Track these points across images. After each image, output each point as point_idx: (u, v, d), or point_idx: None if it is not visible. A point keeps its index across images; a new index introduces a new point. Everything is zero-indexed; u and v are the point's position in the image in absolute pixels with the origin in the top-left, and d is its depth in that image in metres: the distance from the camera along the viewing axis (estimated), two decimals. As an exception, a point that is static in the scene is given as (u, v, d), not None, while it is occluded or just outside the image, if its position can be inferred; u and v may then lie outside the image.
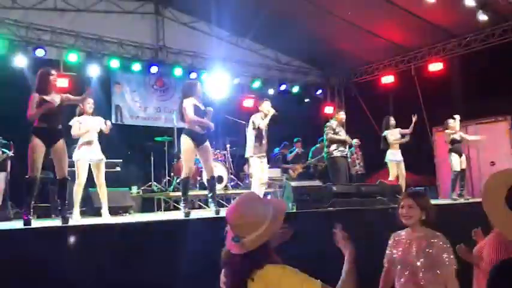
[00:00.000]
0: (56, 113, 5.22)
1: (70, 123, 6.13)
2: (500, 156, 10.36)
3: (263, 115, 7.10)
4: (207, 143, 6.14)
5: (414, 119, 9.10)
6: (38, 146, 5.01)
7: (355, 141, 10.87)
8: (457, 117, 9.27)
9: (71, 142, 6.23)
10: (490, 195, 1.72)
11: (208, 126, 6.06)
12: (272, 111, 7.07)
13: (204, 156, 6.13)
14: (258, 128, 7.02)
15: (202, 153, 6.11)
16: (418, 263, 3.07)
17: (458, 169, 9.02)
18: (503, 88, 11.39)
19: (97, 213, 6.48)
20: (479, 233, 3.78)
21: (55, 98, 5.27)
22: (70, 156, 5.85)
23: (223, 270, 2.10)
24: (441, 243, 3.08)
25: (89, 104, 6.23)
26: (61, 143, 5.22)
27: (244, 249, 1.98)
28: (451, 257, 3.07)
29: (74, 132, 6.08)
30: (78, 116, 6.21)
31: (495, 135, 10.54)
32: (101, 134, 6.37)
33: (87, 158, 6.03)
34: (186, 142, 5.95)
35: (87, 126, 6.13)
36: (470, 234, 3.88)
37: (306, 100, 13.40)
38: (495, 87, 11.19)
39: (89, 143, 6.09)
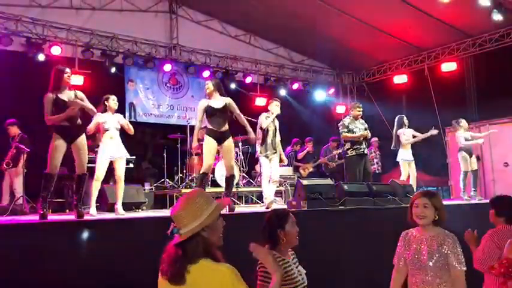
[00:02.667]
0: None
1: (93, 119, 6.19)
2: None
3: (270, 115, 7.16)
4: (229, 141, 6.22)
5: (434, 132, 8.94)
6: (59, 144, 5.09)
7: (373, 139, 10.85)
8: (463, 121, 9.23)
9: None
10: None
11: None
12: (276, 112, 7.13)
13: (225, 154, 6.26)
14: (261, 127, 7.10)
15: (224, 151, 6.25)
16: (430, 263, 3.07)
17: (467, 169, 8.99)
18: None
19: (110, 208, 6.58)
20: (470, 234, 3.81)
21: (69, 96, 5.34)
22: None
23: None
24: (452, 243, 3.08)
25: (114, 101, 6.31)
26: (82, 138, 5.31)
27: (181, 239, 2.08)
28: (461, 258, 3.07)
29: (89, 127, 6.10)
30: (102, 112, 6.28)
31: (509, 136, 10.44)
32: (121, 130, 6.44)
33: (109, 154, 6.12)
34: (206, 140, 6.14)
35: (108, 123, 6.21)
36: (479, 234, 3.90)
37: (318, 99, 13.41)
38: (509, 87, 11.09)
39: (111, 139, 6.17)
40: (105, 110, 6.28)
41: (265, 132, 7.10)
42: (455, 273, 3.04)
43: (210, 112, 6.14)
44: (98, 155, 6.17)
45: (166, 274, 2.10)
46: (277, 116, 7.24)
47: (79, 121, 5.39)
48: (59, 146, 5.10)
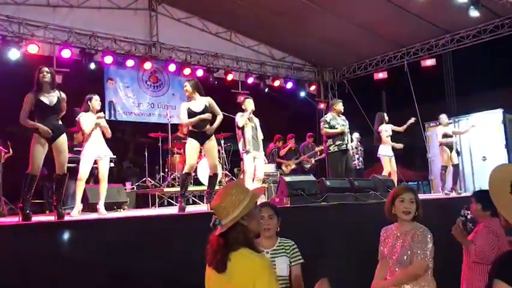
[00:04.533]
0: (53, 113, 5.22)
1: (77, 118, 6.16)
2: (492, 151, 10.45)
3: (244, 113, 7.21)
4: (212, 141, 6.17)
5: (412, 120, 9.19)
6: (40, 144, 5.02)
7: (355, 135, 10.92)
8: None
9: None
10: (496, 185, 1.78)
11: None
12: (250, 109, 7.19)
13: (208, 153, 6.24)
14: (238, 126, 7.16)
15: (207, 151, 6.22)
16: (404, 257, 3.09)
17: (447, 163, 9.14)
18: (495, 83, 11.52)
19: (92, 209, 6.50)
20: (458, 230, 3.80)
21: (51, 97, 5.25)
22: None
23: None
24: (421, 236, 3.08)
25: (97, 101, 6.28)
26: (63, 138, 5.25)
27: (224, 229, 2.21)
28: (427, 252, 3.05)
29: (86, 129, 6.09)
30: (85, 111, 6.22)
31: (487, 129, 10.63)
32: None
33: (94, 154, 6.07)
34: (189, 141, 6.12)
35: (92, 124, 6.15)
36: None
37: (300, 96, 13.46)
38: (487, 82, 11.30)
39: (95, 139, 6.14)
40: (87, 110, 6.22)
41: (243, 130, 7.15)
42: (414, 262, 3.01)
43: (191, 115, 6.07)
44: (82, 153, 6.09)
45: (212, 264, 2.22)
46: (255, 113, 7.29)
47: (60, 122, 5.32)
48: (41, 145, 5.03)
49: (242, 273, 2.13)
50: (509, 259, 1.72)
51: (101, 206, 6.12)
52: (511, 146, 10.31)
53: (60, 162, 5.24)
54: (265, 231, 3.17)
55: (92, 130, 6.15)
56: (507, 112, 10.62)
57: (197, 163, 8.63)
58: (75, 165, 6.37)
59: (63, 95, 5.41)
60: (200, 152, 6.42)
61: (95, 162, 6.17)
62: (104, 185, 6.19)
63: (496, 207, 1.79)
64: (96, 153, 6.12)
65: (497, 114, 10.59)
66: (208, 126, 6.11)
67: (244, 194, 2.28)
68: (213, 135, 6.21)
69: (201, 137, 6.06)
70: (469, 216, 4.95)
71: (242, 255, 2.17)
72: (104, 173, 6.17)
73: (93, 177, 6.85)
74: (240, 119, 7.16)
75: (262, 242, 3.17)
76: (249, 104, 7.24)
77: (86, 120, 6.15)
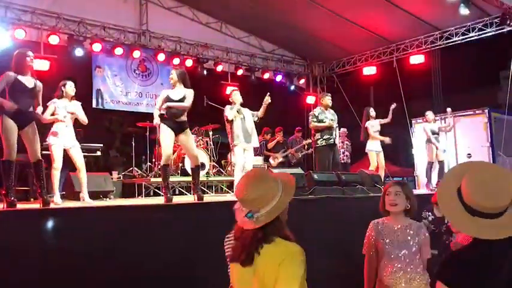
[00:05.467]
0: (28, 96, 5.14)
1: (48, 104, 5.97)
2: (477, 148, 10.57)
3: (233, 105, 7.20)
4: (186, 133, 5.97)
5: (392, 106, 9.21)
6: (10, 126, 4.92)
7: (342, 130, 10.96)
8: (449, 109, 9.50)
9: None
10: (445, 187, 1.79)
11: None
12: (238, 102, 7.17)
13: (184, 146, 6.06)
14: (227, 119, 7.14)
15: (182, 143, 6.04)
16: (405, 251, 3.12)
17: (433, 160, 9.24)
18: (482, 82, 11.63)
19: (77, 197, 6.44)
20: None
21: (30, 81, 5.18)
22: (44, 140, 5.78)
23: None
24: (426, 233, 3.18)
25: (71, 87, 6.13)
26: (32, 125, 5.15)
27: (259, 224, 1.98)
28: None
29: (45, 115, 5.89)
30: (59, 98, 6.07)
31: (472, 128, 10.74)
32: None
33: (61, 142, 5.90)
34: (163, 129, 5.90)
35: (63, 111, 6.01)
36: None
37: (289, 89, 13.46)
38: (474, 80, 11.40)
39: (62, 127, 5.95)
40: (61, 96, 6.07)
41: (232, 123, 7.12)
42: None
43: (168, 102, 5.88)
44: (48, 142, 5.93)
45: (238, 259, 2.03)
46: (244, 105, 7.27)
47: (31, 109, 5.20)
48: (10, 128, 4.93)
49: (272, 259, 1.94)
50: (447, 260, 1.78)
51: (84, 195, 6.02)
52: (495, 144, 10.44)
53: (33, 150, 5.14)
54: None
55: (57, 119, 5.93)
56: (493, 110, 10.75)
57: (184, 154, 8.62)
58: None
59: (40, 84, 5.32)
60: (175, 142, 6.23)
61: (66, 151, 5.96)
62: (82, 174, 6.04)
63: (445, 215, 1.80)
64: (65, 142, 5.92)
65: (483, 113, 10.71)
66: (183, 118, 5.92)
67: (276, 182, 2.05)
68: (188, 129, 5.99)
69: (175, 126, 5.85)
70: (430, 218, 5.01)
71: (275, 243, 1.98)
72: (79, 162, 6.00)
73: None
74: (229, 112, 7.10)
75: None
76: (237, 97, 7.21)
77: (51, 108, 5.94)
